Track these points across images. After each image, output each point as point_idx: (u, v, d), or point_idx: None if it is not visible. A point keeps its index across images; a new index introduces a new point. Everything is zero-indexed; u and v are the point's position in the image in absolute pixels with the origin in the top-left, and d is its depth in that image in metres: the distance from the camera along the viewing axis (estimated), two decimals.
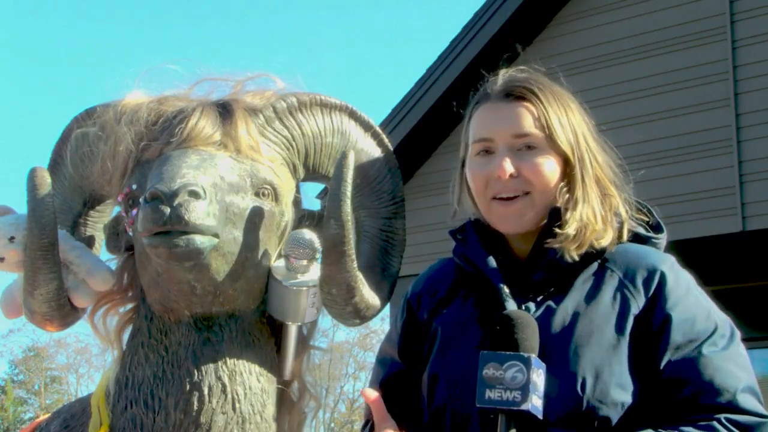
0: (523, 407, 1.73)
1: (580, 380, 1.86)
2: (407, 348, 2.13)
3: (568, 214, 1.97)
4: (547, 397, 1.80)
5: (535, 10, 8.94)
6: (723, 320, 1.95)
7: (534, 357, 1.77)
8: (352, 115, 2.14)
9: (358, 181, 2.06)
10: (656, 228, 2.09)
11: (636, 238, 2.05)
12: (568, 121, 2.04)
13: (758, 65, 8.12)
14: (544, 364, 1.80)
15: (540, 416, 1.77)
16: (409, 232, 2.19)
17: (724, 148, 8.14)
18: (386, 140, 2.19)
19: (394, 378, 2.12)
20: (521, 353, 1.77)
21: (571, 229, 1.95)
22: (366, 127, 2.16)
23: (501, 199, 2.01)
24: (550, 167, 2.00)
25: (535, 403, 1.75)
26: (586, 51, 8.72)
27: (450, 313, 2.07)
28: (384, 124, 8.98)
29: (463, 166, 2.12)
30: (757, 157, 8.01)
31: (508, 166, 1.98)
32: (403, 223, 2.17)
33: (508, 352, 1.77)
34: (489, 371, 1.76)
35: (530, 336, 1.80)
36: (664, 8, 8.53)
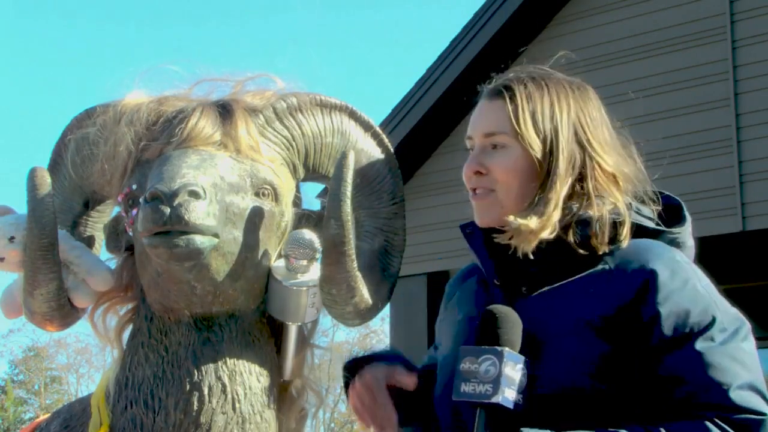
0: (494, 400, 1.74)
1: (559, 369, 1.86)
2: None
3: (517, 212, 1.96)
4: (531, 388, 1.81)
5: (535, 10, 8.95)
6: (728, 315, 1.88)
7: (508, 350, 1.78)
8: (352, 115, 2.14)
9: (358, 181, 2.06)
10: (673, 222, 2.04)
11: (647, 232, 2.00)
12: (552, 115, 1.99)
13: (758, 65, 8.11)
14: (523, 357, 1.80)
15: (512, 407, 1.77)
16: (409, 232, 2.19)
17: (724, 148, 8.13)
18: (386, 140, 2.19)
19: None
20: (495, 347, 1.78)
21: (515, 224, 1.93)
22: (366, 127, 2.16)
23: (475, 195, 2.03)
24: (511, 165, 1.98)
25: (508, 395, 1.76)
26: (586, 51, 8.70)
27: (459, 308, 2.10)
28: (384, 124, 8.97)
29: None
30: (757, 157, 8.00)
31: (472, 164, 2.01)
32: (403, 223, 2.17)
33: (483, 346, 1.79)
34: (465, 365, 1.78)
35: (510, 330, 1.81)
36: (664, 8, 8.53)
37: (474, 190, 2.04)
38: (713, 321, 1.85)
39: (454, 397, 1.79)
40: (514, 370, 1.77)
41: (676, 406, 1.82)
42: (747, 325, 1.89)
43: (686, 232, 2.04)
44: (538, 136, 1.98)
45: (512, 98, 1.99)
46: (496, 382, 1.75)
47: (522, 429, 1.80)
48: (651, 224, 2.01)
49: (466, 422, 1.90)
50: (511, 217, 1.94)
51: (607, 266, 1.94)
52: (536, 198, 1.96)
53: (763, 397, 1.81)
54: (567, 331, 1.89)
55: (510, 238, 1.95)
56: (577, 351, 1.87)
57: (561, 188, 1.96)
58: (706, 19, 8.34)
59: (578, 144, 2.00)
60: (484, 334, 1.82)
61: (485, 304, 2.00)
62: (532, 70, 2.08)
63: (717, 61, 8.25)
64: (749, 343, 1.86)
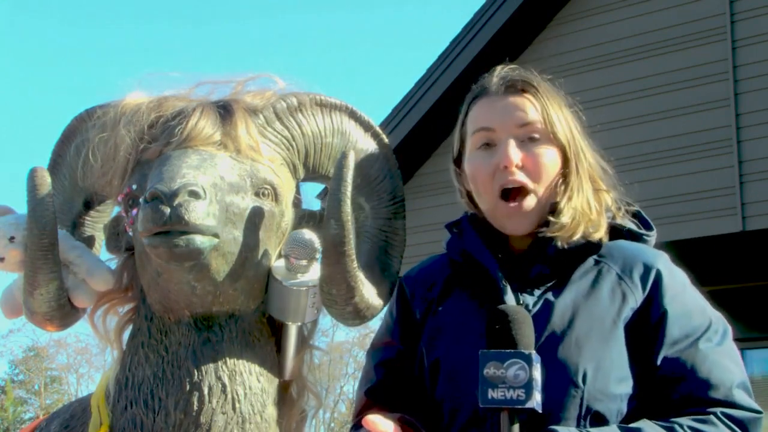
0: (528, 405, 1.72)
1: (581, 372, 1.87)
2: (404, 342, 2.14)
3: (563, 204, 2.00)
4: (548, 390, 1.80)
5: (535, 10, 8.95)
6: (717, 317, 1.97)
7: (535, 353, 1.76)
8: (352, 115, 2.14)
9: (358, 181, 2.06)
10: (646, 227, 2.12)
11: (628, 234, 2.08)
12: (564, 116, 2.07)
13: (758, 65, 8.12)
14: (540, 357, 1.80)
15: (541, 410, 1.77)
16: (409, 232, 2.19)
17: (724, 148, 8.14)
18: (386, 140, 2.19)
19: (394, 360, 2.14)
20: (522, 351, 1.75)
21: (566, 218, 1.98)
22: (366, 127, 2.16)
23: (507, 190, 2.01)
24: (552, 158, 2.03)
25: (537, 399, 1.75)
26: (586, 51, 8.72)
27: (446, 309, 2.08)
28: (384, 124, 8.98)
29: (456, 163, 2.14)
30: (757, 157, 8.01)
31: (515, 154, 1.99)
32: (403, 223, 2.17)
33: (508, 350, 1.75)
34: (490, 370, 1.74)
35: (527, 332, 1.79)
36: (664, 8, 8.54)
37: (502, 186, 2.01)
38: (710, 323, 1.94)
39: (481, 404, 1.75)
40: (538, 372, 1.76)
41: (680, 402, 1.87)
42: (729, 326, 1.98)
43: (654, 238, 2.12)
44: (564, 132, 2.04)
45: (539, 94, 2.04)
46: (528, 386, 1.72)
47: (551, 428, 1.81)
48: (634, 227, 2.08)
49: (477, 421, 1.89)
50: (574, 205, 1.99)
51: (611, 268, 1.98)
52: (569, 191, 2.01)
53: (750, 395, 1.90)
54: (588, 335, 1.91)
55: (555, 232, 1.98)
56: (601, 353, 1.89)
57: (588, 183, 2.04)
58: (706, 19, 8.35)
59: (580, 145, 2.08)
60: (499, 337, 1.78)
61: (484, 304, 2.00)
62: (526, 72, 2.11)
63: (717, 61, 8.25)
64: (734, 343, 1.96)
